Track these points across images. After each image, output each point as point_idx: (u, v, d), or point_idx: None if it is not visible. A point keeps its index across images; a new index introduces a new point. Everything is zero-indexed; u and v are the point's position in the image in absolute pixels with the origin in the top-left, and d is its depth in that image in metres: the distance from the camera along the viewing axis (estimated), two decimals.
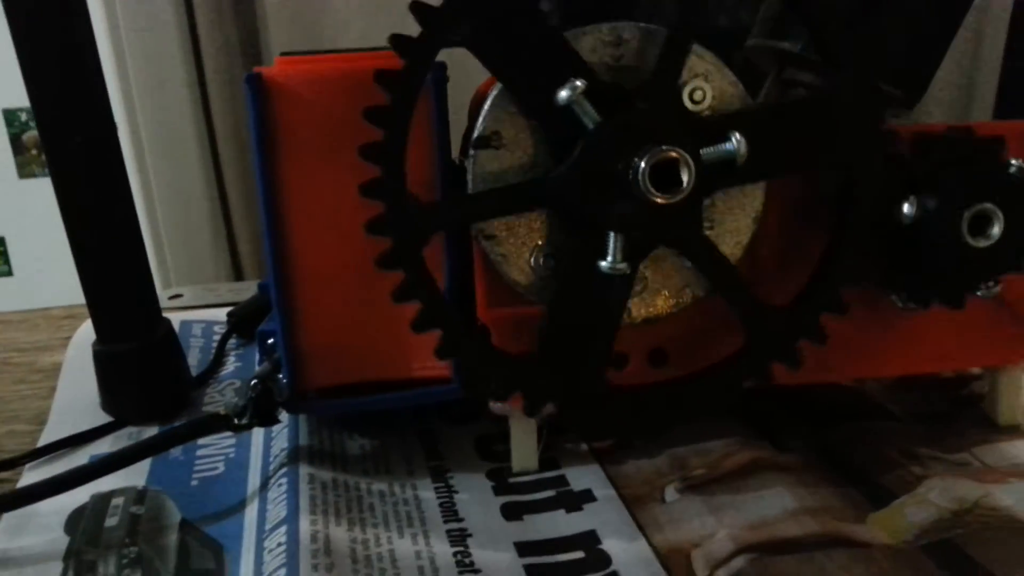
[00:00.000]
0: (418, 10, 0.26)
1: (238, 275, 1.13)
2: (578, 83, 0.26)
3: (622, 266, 0.27)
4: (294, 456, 0.33)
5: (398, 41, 0.26)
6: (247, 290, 0.52)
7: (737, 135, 0.26)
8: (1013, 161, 0.29)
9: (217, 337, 0.45)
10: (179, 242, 1.11)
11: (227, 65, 1.14)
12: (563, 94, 0.26)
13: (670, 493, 0.32)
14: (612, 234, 0.27)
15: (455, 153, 0.32)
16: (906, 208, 0.28)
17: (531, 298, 0.29)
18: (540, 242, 0.29)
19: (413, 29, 0.26)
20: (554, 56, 0.27)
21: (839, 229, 0.29)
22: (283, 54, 0.32)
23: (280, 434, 0.35)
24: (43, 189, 0.39)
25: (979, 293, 0.30)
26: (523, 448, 0.33)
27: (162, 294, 0.52)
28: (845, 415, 0.36)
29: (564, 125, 0.27)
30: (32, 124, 1.38)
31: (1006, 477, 0.32)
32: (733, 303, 0.29)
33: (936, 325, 0.33)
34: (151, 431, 0.37)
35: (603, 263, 0.27)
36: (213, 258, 1.12)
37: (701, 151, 0.26)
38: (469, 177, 0.28)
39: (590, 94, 0.26)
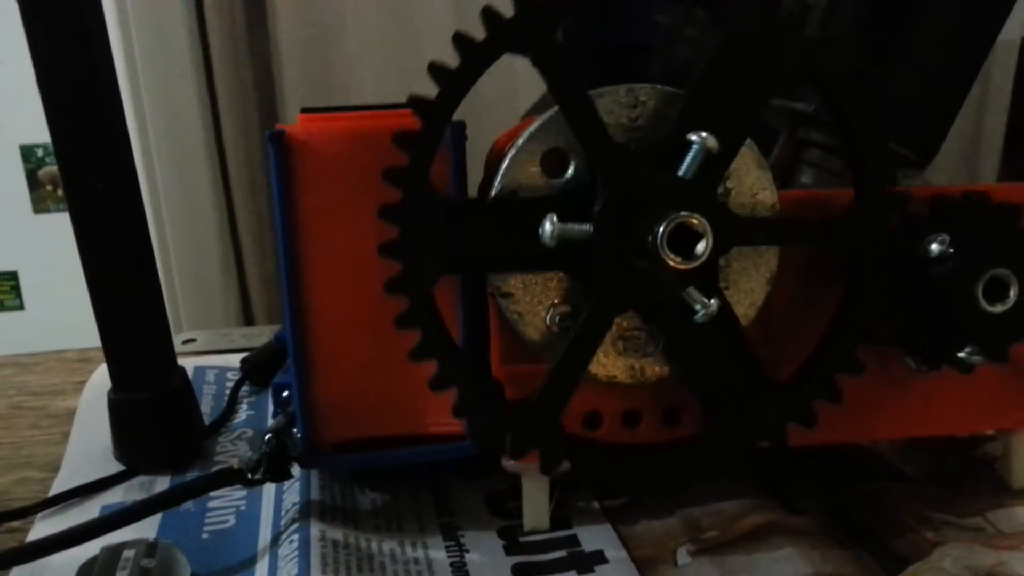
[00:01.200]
0: (435, 71, 0.26)
1: (249, 319, 1.14)
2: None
3: (712, 308, 0.27)
4: (305, 512, 0.33)
5: (416, 103, 0.26)
6: (261, 335, 0.52)
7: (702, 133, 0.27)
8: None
9: (230, 384, 0.45)
10: (191, 285, 1.12)
11: (242, 109, 1.16)
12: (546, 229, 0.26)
13: (682, 555, 0.31)
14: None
15: None
16: (934, 247, 0.28)
17: (546, 356, 0.30)
18: (556, 300, 0.29)
19: (424, 59, 0.26)
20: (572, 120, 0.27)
21: (853, 287, 0.29)
22: (304, 110, 0.33)
23: (291, 488, 0.35)
24: (57, 225, 0.39)
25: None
26: (535, 506, 0.33)
27: (176, 339, 0.52)
28: (858, 476, 0.36)
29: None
30: (48, 160, 1.40)
31: (1020, 544, 0.32)
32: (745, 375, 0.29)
33: (949, 388, 0.33)
34: (163, 480, 0.37)
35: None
36: (224, 302, 1.12)
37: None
38: None
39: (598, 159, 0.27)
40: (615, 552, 0.32)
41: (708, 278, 0.28)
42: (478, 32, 0.26)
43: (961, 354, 0.29)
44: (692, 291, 0.27)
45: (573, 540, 0.32)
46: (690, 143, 0.26)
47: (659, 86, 0.29)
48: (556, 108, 0.29)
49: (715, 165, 0.27)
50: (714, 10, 0.27)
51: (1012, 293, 0.28)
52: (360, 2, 1.20)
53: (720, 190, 0.29)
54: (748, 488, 0.35)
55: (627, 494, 0.35)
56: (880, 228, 0.28)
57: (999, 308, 0.28)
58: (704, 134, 0.26)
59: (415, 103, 0.26)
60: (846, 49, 0.26)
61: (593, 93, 0.28)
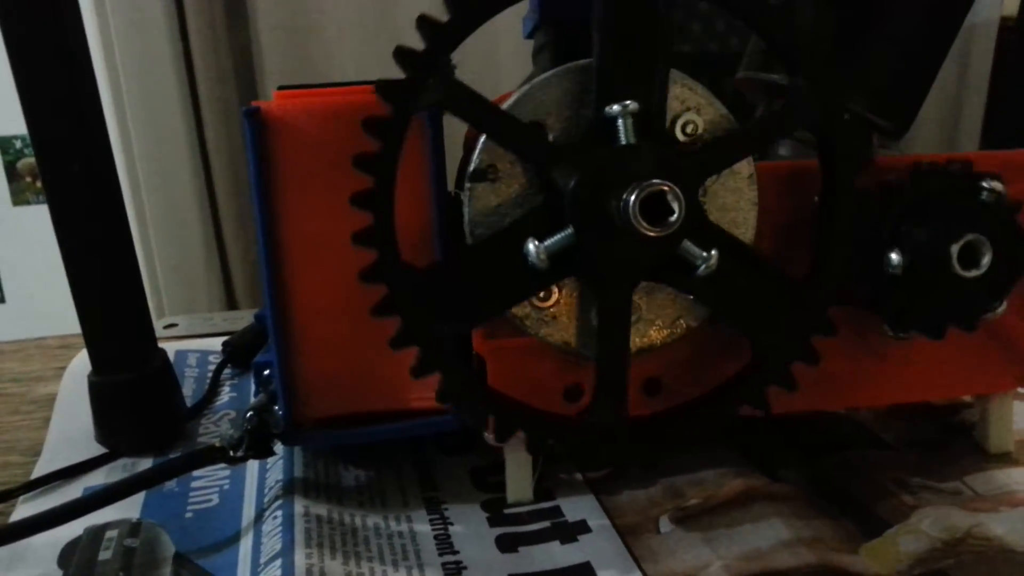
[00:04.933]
0: (401, 55, 0.26)
1: (232, 303, 1.13)
2: (629, 103, 0.27)
3: (544, 259, 0.27)
4: (289, 488, 0.33)
5: (384, 87, 0.26)
6: (242, 319, 0.52)
7: (714, 252, 0.27)
8: (984, 184, 0.29)
9: (212, 367, 0.45)
10: (173, 270, 1.11)
11: (221, 92, 1.15)
12: (615, 108, 0.27)
13: (664, 523, 0.32)
14: (566, 231, 0.27)
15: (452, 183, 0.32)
16: (894, 258, 0.29)
17: (527, 330, 0.30)
18: None
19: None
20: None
21: (823, 249, 0.29)
22: (280, 88, 0.33)
23: (275, 465, 0.35)
24: (37, 216, 0.39)
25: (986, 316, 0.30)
26: (518, 479, 0.33)
27: (157, 324, 0.52)
28: (838, 443, 0.37)
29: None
30: (27, 152, 1.38)
31: (997, 506, 0.32)
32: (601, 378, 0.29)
33: (925, 354, 0.33)
34: (146, 463, 0.37)
35: (532, 243, 0.27)
36: (206, 286, 1.12)
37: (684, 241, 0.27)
38: (466, 210, 0.29)
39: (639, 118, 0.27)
40: (598, 521, 0.32)
41: (701, 228, 0.28)
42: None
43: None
44: (689, 247, 0.27)
45: (556, 511, 0.33)
46: (613, 116, 0.27)
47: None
48: (530, 83, 0.29)
49: (654, 120, 0.27)
50: None
51: (985, 260, 0.29)
52: None
53: (685, 138, 0.29)
54: (730, 456, 0.35)
55: (612, 465, 0.35)
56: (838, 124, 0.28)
57: (973, 273, 0.29)
58: (619, 105, 0.27)
59: (383, 88, 0.26)
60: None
61: (563, 68, 0.28)
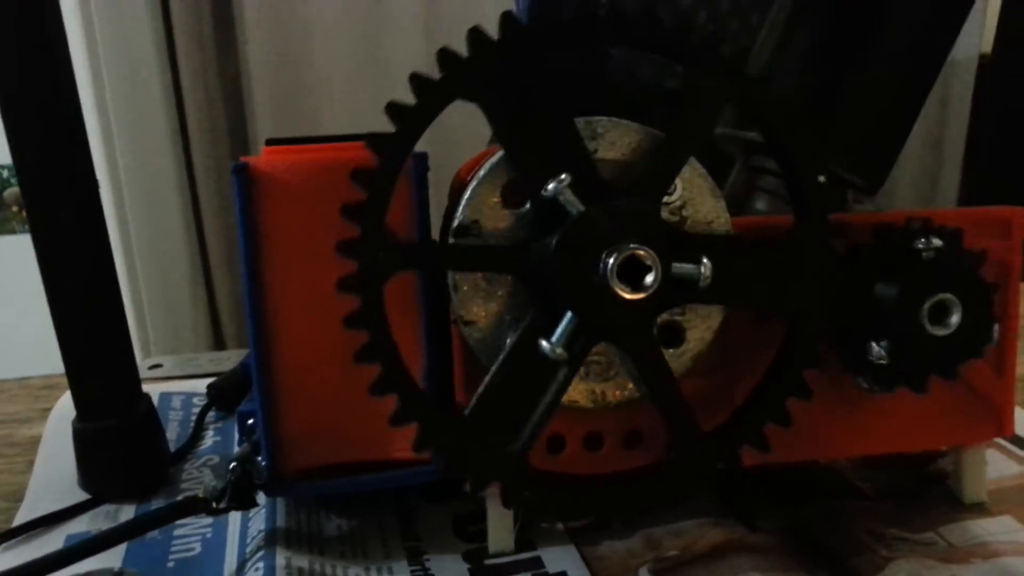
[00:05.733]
0: (392, 110, 0.27)
1: (219, 343, 1.13)
2: (563, 176, 0.27)
3: (561, 352, 0.27)
4: (271, 539, 0.33)
5: (373, 140, 0.27)
6: (228, 360, 0.52)
7: (706, 260, 0.27)
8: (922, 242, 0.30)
9: (196, 410, 0.45)
10: (160, 310, 1.11)
11: (212, 131, 1.16)
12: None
13: (643, 575, 0.32)
14: (566, 318, 0.27)
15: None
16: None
17: None
18: (515, 323, 0.30)
19: (392, 90, 0.26)
20: (559, 141, 0.28)
21: (798, 314, 0.30)
22: (269, 142, 0.33)
23: (257, 515, 0.35)
24: (23, 246, 0.39)
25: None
26: (499, 529, 0.33)
27: (142, 364, 0.52)
28: (815, 493, 0.37)
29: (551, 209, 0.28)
30: (14, 181, 1.38)
31: (969, 557, 0.33)
32: (664, 415, 0.29)
33: (901, 407, 0.34)
34: (129, 509, 0.37)
35: (544, 342, 0.27)
36: (193, 326, 1.12)
37: (672, 264, 0.27)
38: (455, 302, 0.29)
39: (578, 185, 0.27)
40: (578, 572, 0.32)
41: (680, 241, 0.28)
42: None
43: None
44: (680, 267, 0.28)
45: (537, 562, 0.33)
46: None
47: (615, 119, 0.30)
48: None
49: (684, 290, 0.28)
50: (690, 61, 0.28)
51: (954, 319, 0.29)
52: (329, 24, 1.21)
53: (676, 218, 0.30)
54: (709, 506, 0.35)
55: (590, 517, 0.35)
56: (822, 254, 0.29)
57: (941, 332, 0.29)
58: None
59: (372, 140, 0.27)
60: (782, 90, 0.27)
61: (595, 119, 0.29)
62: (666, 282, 0.27)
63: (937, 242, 0.29)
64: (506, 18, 0.27)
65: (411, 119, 0.27)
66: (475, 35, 0.27)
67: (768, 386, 0.30)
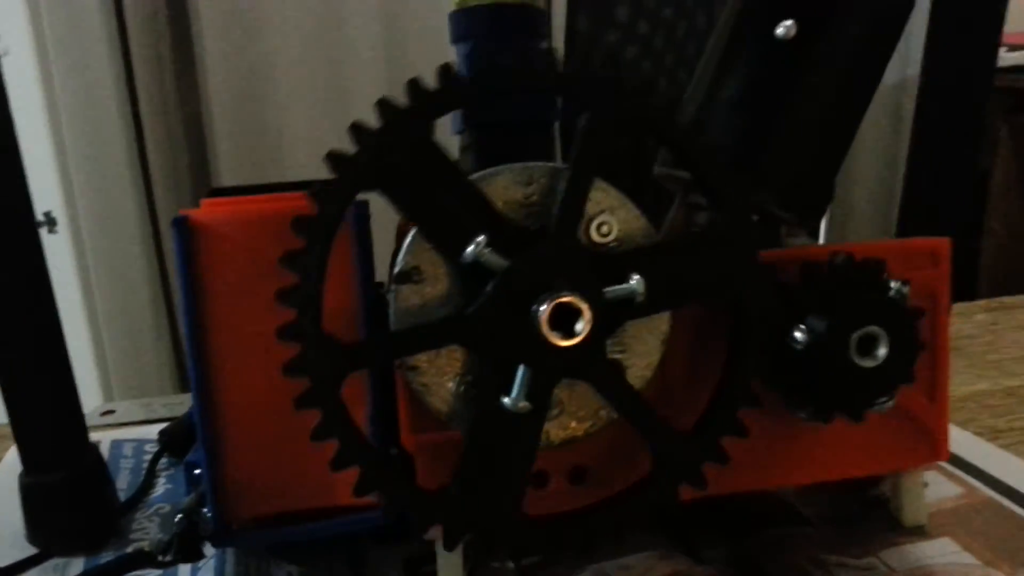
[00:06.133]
0: (332, 159, 0.27)
1: (184, 386, 1.12)
2: (480, 238, 0.27)
3: (524, 404, 0.28)
4: None
5: (313, 188, 0.27)
6: (182, 404, 0.52)
7: (636, 275, 0.28)
8: (892, 284, 0.31)
9: (148, 456, 0.45)
10: (122, 353, 1.09)
11: (172, 164, 1.15)
12: (468, 251, 0.27)
13: None
14: (520, 371, 0.28)
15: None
16: (798, 335, 0.30)
17: (453, 426, 0.30)
18: (461, 371, 0.30)
19: (355, 110, 0.27)
20: (466, 206, 0.28)
21: (734, 354, 0.31)
22: (211, 192, 0.34)
23: (206, 565, 0.35)
24: None
25: (874, 408, 0.32)
26: (450, 570, 0.34)
27: (95, 410, 0.52)
28: (760, 522, 0.38)
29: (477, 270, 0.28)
30: None
31: None
32: (640, 429, 0.30)
33: (840, 435, 0.35)
34: (78, 563, 0.36)
35: (506, 400, 0.28)
36: (157, 369, 1.10)
37: (604, 291, 0.28)
38: (391, 310, 0.30)
39: (497, 241, 0.28)
40: None
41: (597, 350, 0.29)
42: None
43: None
44: (612, 290, 0.28)
45: None
46: (627, 277, 0.28)
47: (551, 164, 0.30)
48: (481, 173, 0.30)
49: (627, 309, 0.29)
50: (578, 98, 0.29)
51: (881, 351, 0.30)
52: (290, 52, 1.22)
53: (602, 238, 0.30)
54: (656, 540, 0.36)
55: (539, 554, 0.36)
56: (756, 295, 0.30)
57: (869, 363, 0.30)
58: (640, 280, 0.28)
59: (312, 188, 0.27)
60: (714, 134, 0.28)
61: (489, 172, 0.30)
62: (605, 308, 0.28)
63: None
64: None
65: (351, 167, 0.27)
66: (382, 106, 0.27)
67: (711, 415, 0.31)
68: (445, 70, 0.28)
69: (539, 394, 0.28)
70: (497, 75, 0.28)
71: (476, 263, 0.27)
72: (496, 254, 0.28)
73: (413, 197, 0.28)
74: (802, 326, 0.30)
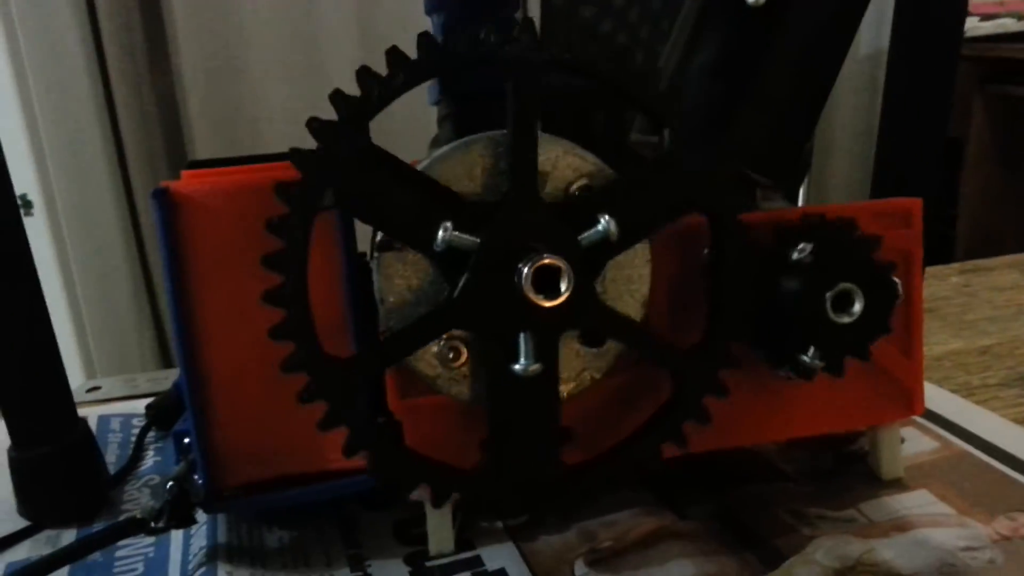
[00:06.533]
0: (316, 127, 0.27)
1: (167, 362, 1.12)
2: (447, 224, 0.28)
3: (535, 367, 0.28)
4: (212, 555, 0.33)
5: (297, 155, 0.27)
6: (167, 379, 0.52)
7: (604, 216, 0.29)
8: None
9: (136, 431, 0.45)
10: (103, 331, 1.09)
11: (147, 142, 1.14)
12: (439, 239, 0.28)
13: (579, 567, 0.33)
14: (521, 336, 0.28)
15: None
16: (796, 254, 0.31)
17: (438, 389, 0.31)
18: (444, 336, 0.31)
19: (331, 84, 0.27)
20: (424, 195, 0.29)
21: (714, 314, 0.31)
22: (191, 164, 0.34)
23: (199, 532, 0.35)
24: None
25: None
26: (439, 531, 0.34)
27: (80, 387, 0.52)
28: (742, 478, 0.39)
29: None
30: None
31: (888, 531, 0.34)
32: (650, 354, 0.31)
33: (819, 392, 0.35)
34: (69, 534, 0.37)
35: (516, 366, 0.28)
36: (139, 346, 1.10)
37: (579, 238, 0.29)
38: (375, 278, 0.30)
39: (463, 221, 0.28)
40: (517, 568, 0.33)
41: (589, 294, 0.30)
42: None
43: (804, 358, 0.31)
44: (587, 235, 0.29)
45: (477, 561, 0.34)
46: (596, 220, 0.29)
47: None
48: (432, 156, 0.30)
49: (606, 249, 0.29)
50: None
51: (856, 307, 0.31)
52: (263, 32, 1.20)
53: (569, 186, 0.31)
54: (641, 497, 0.37)
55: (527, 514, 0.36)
56: (733, 243, 0.30)
57: (844, 319, 0.31)
58: (610, 219, 0.28)
59: (296, 155, 0.27)
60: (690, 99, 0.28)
61: (465, 141, 0.30)
62: (584, 255, 0.28)
63: (808, 247, 0.30)
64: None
65: (336, 133, 0.27)
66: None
67: (689, 379, 0.32)
68: (425, 39, 0.28)
69: (546, 353, 0.29)
70: (475, 45, 0.28)
71: (450, 248, 0.28)
72: (465, 234, 0.28)
73: (369, 204, 0.28)
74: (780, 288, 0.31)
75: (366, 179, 0.28)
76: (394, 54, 0.28)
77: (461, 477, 0.30)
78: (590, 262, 0.29)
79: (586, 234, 0.29)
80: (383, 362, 0.30)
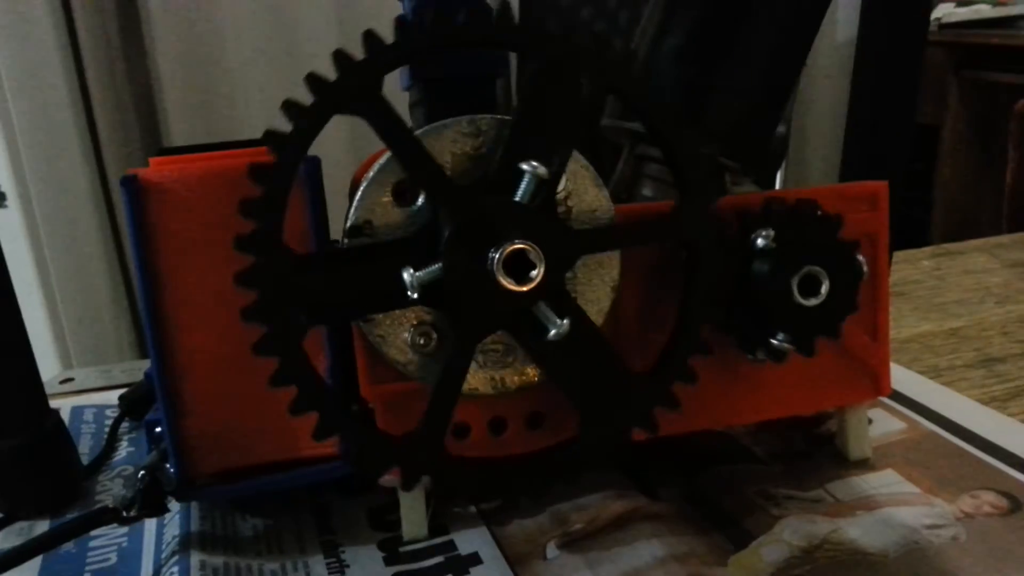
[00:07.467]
0: (289, 108, 0.27)
1: (144, 351, 1.11)
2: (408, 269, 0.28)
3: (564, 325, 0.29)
4: (186, 543, 0.33)
5: (270, 138, 0.27)
6: (141, 370, 0.52)
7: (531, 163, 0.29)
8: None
9: (109, 422, 0.45)
10: (79, 322, 1.08)
11: (122, 131, 1.13)
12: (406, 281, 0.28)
13: (551, 550, 0.33)
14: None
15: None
16: (760, 240, 0.31)
17: (410, 375, 0.31)
18: (415, 322, 0.31)
19: (307, 70, 0.27)
20: (410, 158, 0.29)
21: (686, 301, 0.32)
22: (160, 152, 0.34)
23: (172, 521, 0.35)
24: None
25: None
26: (412, 516, 0.35)
27: (54, 378, 0.51)
28: (713, 459, 0.39)
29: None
30: None
31: (854, 510, 0.35)
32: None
33: (787, 374, 0.36)
34: (43, 525, 0.37)
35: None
36: (115, 336, 1.09)
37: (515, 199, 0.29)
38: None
39: (440, 199, 0.28)
40: (489, 552, 0.33)
41: (559, 295, 0.30)
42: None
43: (774, 341, 0.32)
44: (544, 310, 0.29)
45: (450, 545, 0.34)
46: (522, 172, 0.29)
47: (498, 116, 0.31)
48: (420, 131, 0.30)
49: (548, 188, 0.29)
50: (519, 47, 0.29)
51: (823, 289, 0.32)
52: (239, 18, 1.20)
53: (561, 209, 0.31)
54: (612, 479, 0.37)
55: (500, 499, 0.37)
56: (703, 227, 0.31)
57: (812, 302, 0.31)
58: (535, 164, 0.28)
59: (269, 138, 0.27)
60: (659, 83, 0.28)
61: (437, 125, 0.30)
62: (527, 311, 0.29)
63: (771, 234, 0.31)
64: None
65: (307, 116, 0.27)
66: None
67: (660, 367, 0.32)
68: (401, 23, 0.28)
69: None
70: (451, 29, 0.28)
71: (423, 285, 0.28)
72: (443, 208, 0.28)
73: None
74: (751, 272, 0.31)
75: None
76: (370, 38, 0.28)
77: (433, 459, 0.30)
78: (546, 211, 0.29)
79: (520, 190, 0.29)
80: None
